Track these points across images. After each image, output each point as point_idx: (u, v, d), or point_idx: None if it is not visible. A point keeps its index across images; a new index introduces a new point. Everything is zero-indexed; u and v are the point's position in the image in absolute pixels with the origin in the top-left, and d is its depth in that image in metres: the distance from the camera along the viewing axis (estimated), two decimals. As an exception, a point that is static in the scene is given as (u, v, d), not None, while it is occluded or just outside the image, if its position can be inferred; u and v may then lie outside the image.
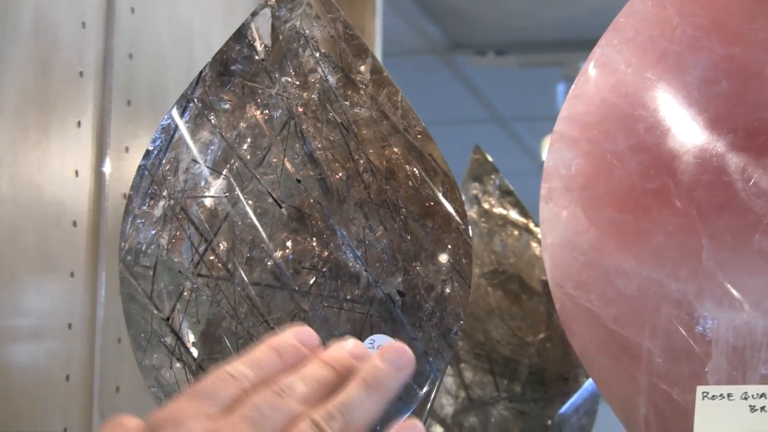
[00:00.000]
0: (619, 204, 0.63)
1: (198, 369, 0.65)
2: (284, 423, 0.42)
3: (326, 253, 0.66)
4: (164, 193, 0.67)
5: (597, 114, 0.65)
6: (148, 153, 0.68)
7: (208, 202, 0.67)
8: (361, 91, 0.68)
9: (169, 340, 0.66)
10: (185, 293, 0.66)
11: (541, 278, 0.85)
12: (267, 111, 0.69)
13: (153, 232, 0.67)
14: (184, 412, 0.42)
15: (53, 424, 0.81)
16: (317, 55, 0.69)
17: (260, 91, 0.69)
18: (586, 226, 0.64)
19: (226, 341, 0.65)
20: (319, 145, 0.67)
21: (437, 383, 0.65)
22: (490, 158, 0.91)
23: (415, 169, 0.67)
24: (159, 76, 0.96)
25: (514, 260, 0.86)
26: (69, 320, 0.84)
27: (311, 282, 0.66)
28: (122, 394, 0.89)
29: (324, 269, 0.66)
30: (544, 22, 2.58)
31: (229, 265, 0.66)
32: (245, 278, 0.65)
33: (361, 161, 0.67)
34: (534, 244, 0.86)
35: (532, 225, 0.87)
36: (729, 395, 0.57)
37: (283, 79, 0.69)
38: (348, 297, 0.65)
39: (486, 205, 0.88)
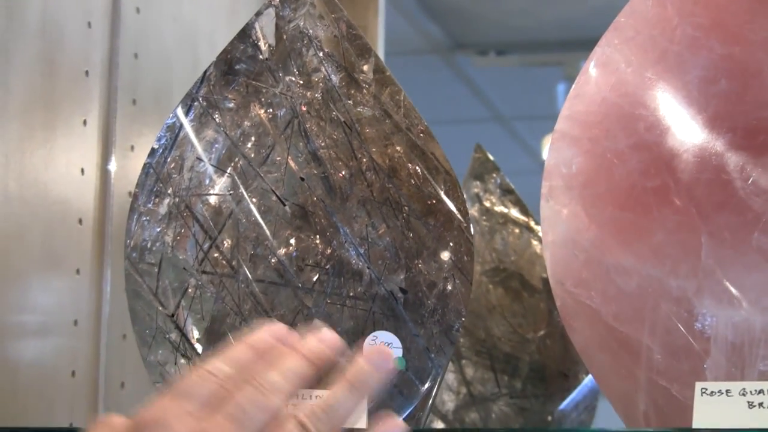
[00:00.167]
0: (620, 202, 0.63)
1: (202, 365, 0.65)
2: (268, 420, 0.43)
3: (329, 251, 0.66)
4: (169, 191, 0.68)
5: (598, 113, 0.65)
6: (153, 151, 0.69)
7: (213, 199, 0.68)
8: (364, 90, 0.69)
9: (174, 336, 0.66)
10: (190, 290, 0.66)
11: (541, 276, 0.85)
12: (271, 110, 0.69)
13: (158, 229, 0.67)
14: (167, 412, 0.43)
15: (59, 419, 0.82)
16: (321, 54, 0.70)
17: (264, 90, 0.69)
18: (586, 224, 0.64)
19: (231, 338, 0.65)
20: (323, 144, 0.68)
21: (439, 379, 0.65)
22: (491, 157, 0.92)
23: (417, 168, 0.67)
24: (164, 75, 0.96)
25: (515, 258, 0.86)
26: (75, 317, 0.85)
27: (314, 279, 0.66)
28: (127, 390, 0.89)
29: (327, 266, 0.66)
30: (545, 22, 2.58)
31: (234, 263, 0.66)
32: (249, 275, 0.66)
33: (364, 160, 0.67)
34: (535, 242, 0.87)
35: (532, 223, 0.88)
36: (727, 391, 0.57)
37: (287, 78, 0.69)
38: (351, 294, 0.65)
39: (487, 204, 0.89)
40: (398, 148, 0.67)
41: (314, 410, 0.44)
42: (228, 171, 0.68)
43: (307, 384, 0.45)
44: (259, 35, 0.70)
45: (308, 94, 0.69)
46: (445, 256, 0.66)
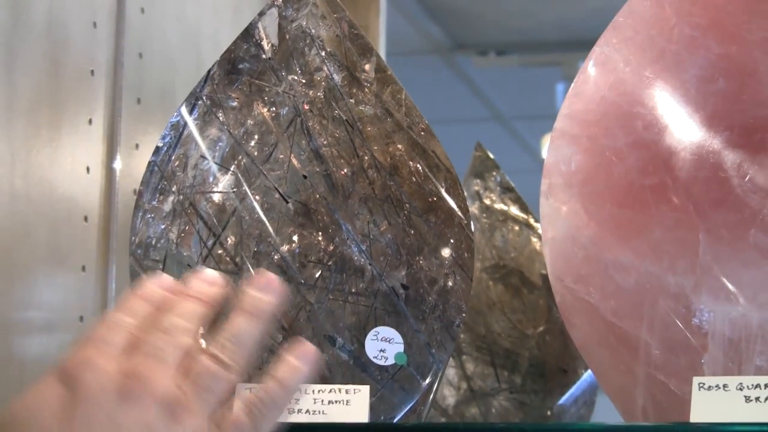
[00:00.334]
0: (618, 199, 0.63)
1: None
2: (179, 355, 0.46)
3: (332, 248, 0.67)
4: (173, 189, 0.68)
5: (596, 111, 0.66)
6: (157, 149, 0.69)
7: (217, 197, 0.68)
8: (366, 89, 0.69)
9: (179, 332, 0.67)
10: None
11: (541, 272, 0.85)
12: (274, 108, 0.69)
13: (162, 226, 0.68)
14: (91, 355, 0.45)
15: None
16: (323, 54, 0.70)
17: (267, 89, 0.70)
18: (585, 221, 0.65)
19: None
20: (325, 142, 0.68)
21: (440, 374, 0.65)
22: (491, 155, 0.92)
23: (418, 166, 0.68)
24: (168, 74, 0.97)
25: (514, 255, 0.86)
26: (80, 313, 0.85)
27: (317, 275, 0.66)
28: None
29: (329, 263, 0.66)
30: (544, 23, 2.58)
31: (237, 259, 0.67)
32: (252, 272, 0.66)
33: (366, 158, 0.68)
34: (534, 239, 0.87)
35: (532, 220, 0.88)
36: (725, 386, 0.57)
37: (290, 77, 0.70)
38: (353, 290, 0.66)
39: (487, 201, 0.89)
40: (399, 146, 0.68)
41: (221, 342, 0.47)
42: (231, 169, 0.68)
43: (204, 322, 0.48)
44: (262, 35, 0.71)
45: (311, 92, 0.69)
46: (446, 252, 0.66)
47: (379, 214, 0.67)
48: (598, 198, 0.64)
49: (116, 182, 0.89)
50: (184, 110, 0.70)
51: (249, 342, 0.48)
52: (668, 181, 0.62)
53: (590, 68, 0.67)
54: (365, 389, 0.63)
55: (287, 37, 0.70)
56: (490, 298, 0.85)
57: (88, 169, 0.87)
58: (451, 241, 0.66)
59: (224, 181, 0.68)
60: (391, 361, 0.65)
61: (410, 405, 0.65)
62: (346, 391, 0.63)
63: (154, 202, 0.68)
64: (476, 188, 0.90)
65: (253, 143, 0.69)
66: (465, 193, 0.70)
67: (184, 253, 0.67)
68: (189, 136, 0.69)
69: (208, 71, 0.70)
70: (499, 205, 0.89)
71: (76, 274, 0.85)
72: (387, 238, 0.66)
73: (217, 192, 0.68)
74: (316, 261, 0.66)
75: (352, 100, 0.69)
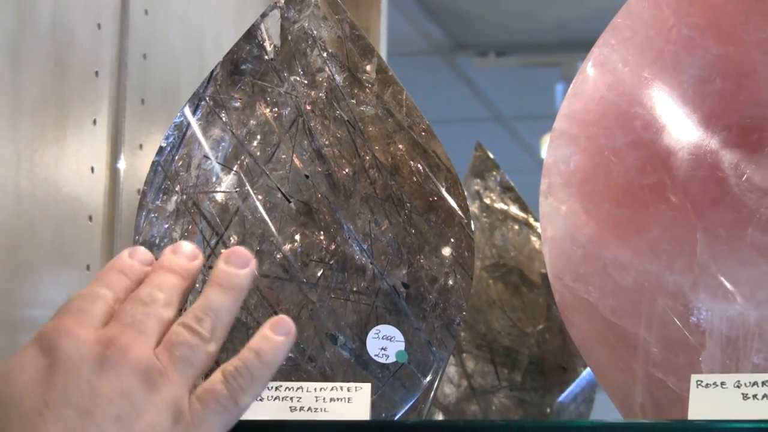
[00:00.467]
0: (617, 199, 0.63)
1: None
2: (158, 327, 0.46)
3: (333, 247, 0.67)
4: (177, 189, 0.69)
5: (595, 111, 0.66)
6: (161, 149, 0.69)
7: (220, 197, 0.69)
8: (367, 90, 0.70)
9: (182, 330, 0.67)
10: (197, 285, 0.67)
11: (540, 271, 0.86)
12: (276, 109, 0.70)
13: (166, 226, 0.68)
14: (69, 324, 0.45)
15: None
16: (325, 54, 0.70)
17: (270, 90, 0.70)
18: (584, 220, 0.65)
19: (237, 332, 0.66)
20: (327, 142, 0.69)
21: (440, 372, 0.65)
22: (491, 155, 0.92)
23: (419, 165, 0.68)
24: (172, 75, 0.97)
25: (514, 254, 0.87)
26: (83, 312, 0.86)
27: (319, 274, 0.67)
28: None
29: (331, 262, 0.67)
30: (543, 24, 2.59)
31: (240, 258, 0.67)
32: (255, 271, 0.67)
33: (367, 157, 0.68)
34: (534, 238, 0.87)
35: (531, 220, 0.88)
36: (722, 384, 0.57)
37: (292, 78, 0.70)
38: (354, 289, 0.66)
39: (487, 201, 0.89)
40: (400, 146, 0.68)
41: (195, 313, 0.47)
42: (234, 169, 0.69)
43: (181, 294, 0.48)
44: (265, 36, 0.71)
45: (312, 93, 0.70)
46: (447, 251, 0.67)
47: (381, 214, 0.67)
48: (597, 197, 0.64)
49: (120, 182, 0.89)
50: (187, 111, 0.70)
51: (225, 315, 0.48)
52: (666, 180, 0.62)
53: (589, 69, 0.67)
54: (367, 387, 0.63)
55: (289, 38, 0.71)
56: (490, 297, 0.86)
57: (92, 169, 0.87)
58: (452, 240, 0.67)
59: (227, 181, 0.69)
60: (392, 359, 0.65)
61: (411, 402, 0.65)
62: (348, 389, 0.63)
63: (158, 202, 0.69)
64: (476, 188, 0.90)
65: (255, 143, 0.69)
66: (465, 193, 0.70)
67: (188, 252, 0.67)
68: (192, 137, 0.69)
69: (211, 72, 0.70)
70: (499, 205, 0.89)
71: (81, 272, 0.85)
72: (388, 237, 0.67)
73: (220, 192, 0.68)
74: (318, 260, 0.67)
75: (354, 101, 0.69)
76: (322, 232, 0.67)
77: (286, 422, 0.62)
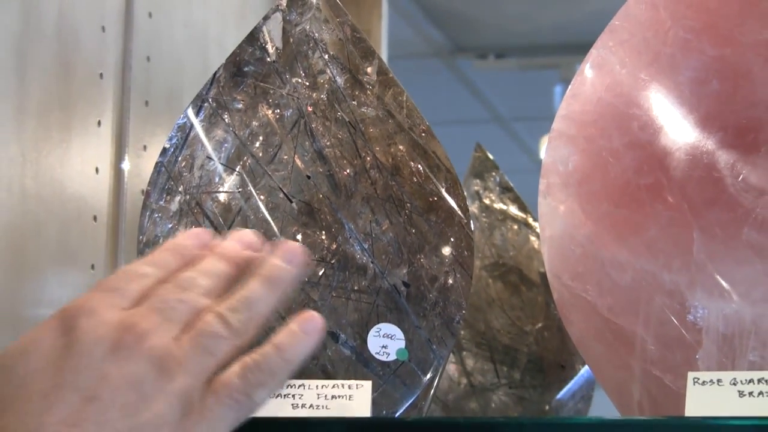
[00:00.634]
0: (615, 199, 0.63)
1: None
2: (190, 314, 0.44)
3: (334, 246, 0.67)
4: (180, 189, 0.69)
5: (593, 113, 0.66)
6: (164, 150, 0.69)
7: (222, 197, 0.69)
8: (368, 92, 0.70)
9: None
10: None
11: (539, 270, 0.86)
12: (278, 110, 0.70)
13: (170, 225, 0.69)
14: (95, 303, 0.43)
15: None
16: (326, 57, 0.71)
17: (272, 92, 0.71)
18: (582, 219, 0.65)
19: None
20: (328, 143, 0.69)
21: (440, 370, 0.66)
22: (490, 156, 0.92)
23: (419, 166, 0.68)
24: (175, 77, 0.98)
25: (513, 253, 0.87)
26: (88, 311, 0.86)
27: (320, 273, 0.67)
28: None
29: (332, 261, 0.67)
30: (542, 26, 2.59)
31: (243, 257, 0.68)
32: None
33: (368, 158, 0.69)
34: (533, 238, 0.88)
35: (530, 220, 0.88)
36: (719, 381, 0.57)
37: (294, 79, 0.71)
38: (355, 288, 0.66)
39: (487, 201, 0.90)
40: (401, 147, 0.69)
41: (232, 303, 0.44)
42: (237, 169, 0.69)
43: (227, 283, 0.45)
44: (267, 38, 0.71)
45: (314, 95, 0.70)
46: (446, 251, 0.67)
47: (381, 214, 0.68)
48: (595, 197, 0.65)
49: (124, 182, 0.89)
50: (190, 112, 0.70)
51: (262, 309, 0.45)
52: (663, 180, 0.63)
53: (587, 70, 0.67)
54: (367, 384, 0.63)
55: (291, 40, 0.71)
56: (489, 296, 0.86)
57: (97, 169, 0.87)
58: (452, 239, 0.67)
59: (230, 182, 0.69)
60: (392, 357, 0.66)
61: (411, 400, 0.65)
62: (349, 387, 0.63)
63: (162, 202, 0.69)
64: (476, 188, 0.90)
65: (257, 144, 0.69)
66: (465, 193, 0.70)
67: (191, 252, 0.68)
68: (195, 138, 0.70)
69: (214, 74, 0.71)
70: (498, 205, 0.89)
71: (86, 272, 0.85)
72: (389, 236, 0.67)
73: (222, 192, 0.69)
74: (319, 259, 0.67)
75: (355, 102, 0.70)
76: (323, 232, 0.68)
77: (288, 419, 0.62)
